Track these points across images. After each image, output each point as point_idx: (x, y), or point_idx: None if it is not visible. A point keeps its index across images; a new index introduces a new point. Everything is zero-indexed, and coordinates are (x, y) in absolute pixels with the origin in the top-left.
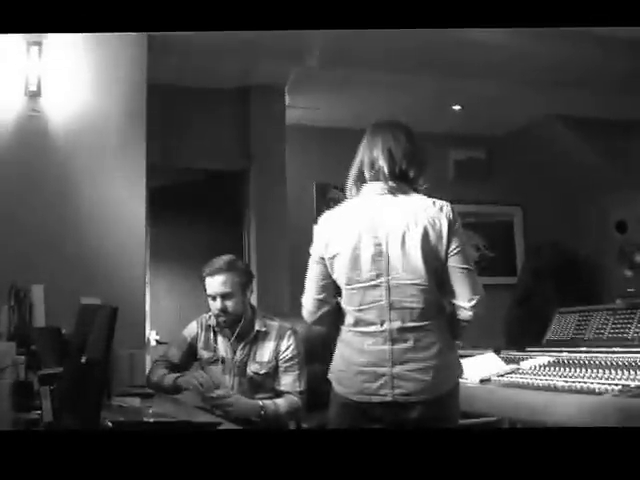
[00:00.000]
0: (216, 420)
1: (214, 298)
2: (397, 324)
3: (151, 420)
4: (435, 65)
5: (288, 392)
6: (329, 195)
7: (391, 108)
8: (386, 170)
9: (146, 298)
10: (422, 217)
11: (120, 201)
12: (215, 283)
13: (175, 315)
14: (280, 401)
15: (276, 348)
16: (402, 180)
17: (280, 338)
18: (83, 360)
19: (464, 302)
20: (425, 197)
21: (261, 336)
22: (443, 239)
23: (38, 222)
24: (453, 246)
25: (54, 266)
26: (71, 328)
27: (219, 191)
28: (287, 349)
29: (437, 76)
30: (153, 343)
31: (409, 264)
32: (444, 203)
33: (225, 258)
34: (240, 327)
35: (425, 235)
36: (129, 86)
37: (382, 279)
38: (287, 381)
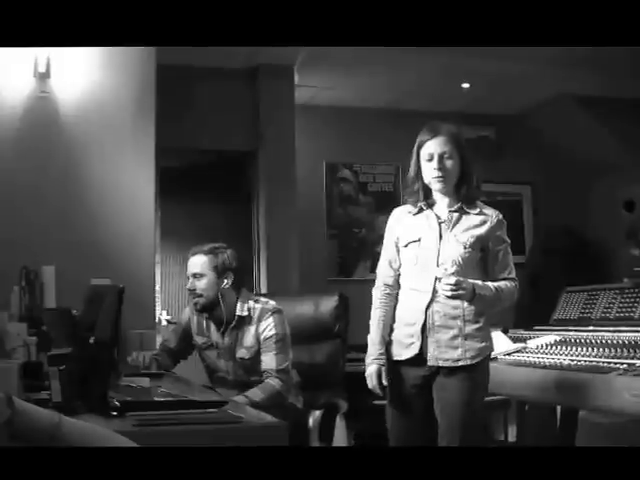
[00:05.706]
0: (222, 399)
1: (189, 278)
2: None
3: (158, 399)
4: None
5: (268, 372)
6: (339, 174)
7: (400, 87)
8: None
9: (156, 278)
10: None
11: (130, 181)
12: (191, 263)
13: (185, 295)
14: (253, 391)
15: (256, 331)
16: None
17: (259, 320)
18: (91, 341)
19: None
20: None
21: (244, 321)
22: None
23: (48, 203)
24: None
25: (65, 247)
26: (82, 309)
27: (228, 171)
28: (265, 329)
29: (446, 54)
30: (164, 323)
31: None
32: None
33: (212, 244)
34: (219, 313)
35: None
36: (138, 67)
37: None
38: (265, 360)
